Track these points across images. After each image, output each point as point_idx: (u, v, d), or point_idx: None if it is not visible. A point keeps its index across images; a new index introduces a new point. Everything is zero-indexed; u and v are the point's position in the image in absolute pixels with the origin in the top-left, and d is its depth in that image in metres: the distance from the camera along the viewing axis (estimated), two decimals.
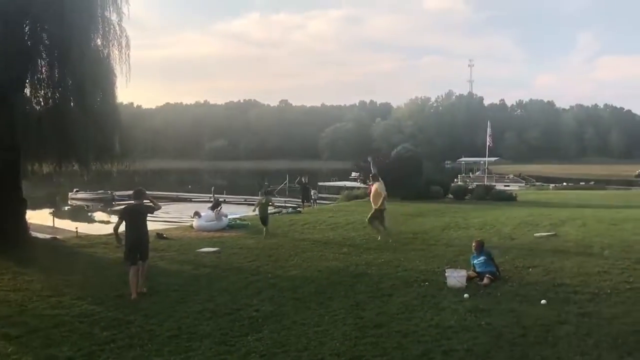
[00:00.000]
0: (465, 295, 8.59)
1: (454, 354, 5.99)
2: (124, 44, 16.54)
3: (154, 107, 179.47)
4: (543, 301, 8.08)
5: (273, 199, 37.05)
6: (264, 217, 17.03)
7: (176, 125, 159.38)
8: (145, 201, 10.56)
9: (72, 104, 15.65)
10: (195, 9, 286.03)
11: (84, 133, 15.10)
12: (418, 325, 7.13)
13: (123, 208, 11.22)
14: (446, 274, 9.62)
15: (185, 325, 7.53)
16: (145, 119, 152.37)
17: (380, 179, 16.36)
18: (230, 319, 7.81)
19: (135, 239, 9.72)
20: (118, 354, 6.46)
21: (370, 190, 16.09)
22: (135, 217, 9.88)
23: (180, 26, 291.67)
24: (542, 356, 5.83)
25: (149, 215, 10.43)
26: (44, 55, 15.90)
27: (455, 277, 9.44)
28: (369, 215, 15.71)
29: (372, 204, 15.74)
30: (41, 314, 8.31)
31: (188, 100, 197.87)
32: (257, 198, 18.01)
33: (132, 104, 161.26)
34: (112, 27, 16.35)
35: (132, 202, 10.53)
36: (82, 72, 15.15)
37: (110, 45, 16.42)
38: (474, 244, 10.68)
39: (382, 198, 15.34)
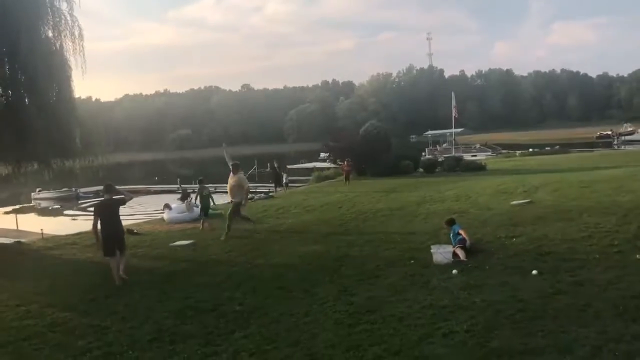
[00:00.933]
0: (454, 272, 8.34)
1: (455, 336, 5.70)
2: (77, 34, 15.82)
3: (113, 99, 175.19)
4: (534, 272, 7.86)
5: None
6: (206, 208, 16.49)
7: (138, 117, 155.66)
8: (117, 195, 10.48)
9: (26, 100, 14.90)
10: None
11: (41, 130, 14.44)
12: (411, 307, 6.82)
13: (96, 204, 11.19)
14: (432, 250, 9.38)
15: (166, 327, 7.09)
16: (105, 112, 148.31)
17: (241, 170, 14.82)
18: (214, 315, 7.39)
19: (110, 234, 9.84)
20: None
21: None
22: (108, 212, 9.98)
23: (133, 15, 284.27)
24: (545, 331, 5.59)
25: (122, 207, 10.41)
26: None
27: (441, 253, 9.19)
28: (229, 211, 14.17)
29: (231, 197, 14.33)
30: (9, 326, 7.74)
31: (148, 90, 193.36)
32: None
33: (90, 97, 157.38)
34: (63, 17, 15.59)
35: (103, 197, 10.52)
36: (34, 66, 14.40)
37: (63, 37, 15.68)
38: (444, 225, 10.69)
39: (244, 191, 14.10)
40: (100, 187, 10.73)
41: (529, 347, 5.23)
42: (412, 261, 9.38)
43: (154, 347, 6.43)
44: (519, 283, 7.44)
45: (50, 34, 15.39)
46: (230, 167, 14.41)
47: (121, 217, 10.20)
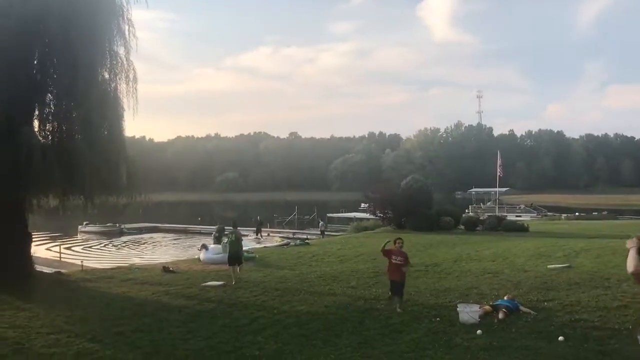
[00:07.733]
0: (479, 332, 8.21)
1: None
2: (131, 77, 16.53)
3: (165, 140, 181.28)
4: (560, 338, 7.68)
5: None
6: (236, 256, 14.98)
7: (188, 158, 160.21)
8: None
9: (78, 136, 15.56)
10: (208, 44, 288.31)
11: (89, 166, 14.98)
12: None
13: None
14: (458, 309, 9.25)
15: None
16: (157, 152, 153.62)
17: None
18: (232, 357, 7.48)
19: None
20: None
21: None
22: None
23: (192, 61, 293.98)
24: None
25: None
26: (52, 89, 15.92)
27: (468, 312, 9.06)
28: None
29: None
30: (38, 353, 8.00)
31: (199, 133, 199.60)
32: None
33: (144, 137, 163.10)
34: (119, 60, 16.36)
35: None
36: (88, 105, 15.10)
37: (118, 79, 16.42)
38: (507, 297, 10.28)
39: None
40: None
41: None
42: (438, 318, 9.27)
43: None
44: (542, 348, 7.28)
45: (106, 75, 16.17)
46: None
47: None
